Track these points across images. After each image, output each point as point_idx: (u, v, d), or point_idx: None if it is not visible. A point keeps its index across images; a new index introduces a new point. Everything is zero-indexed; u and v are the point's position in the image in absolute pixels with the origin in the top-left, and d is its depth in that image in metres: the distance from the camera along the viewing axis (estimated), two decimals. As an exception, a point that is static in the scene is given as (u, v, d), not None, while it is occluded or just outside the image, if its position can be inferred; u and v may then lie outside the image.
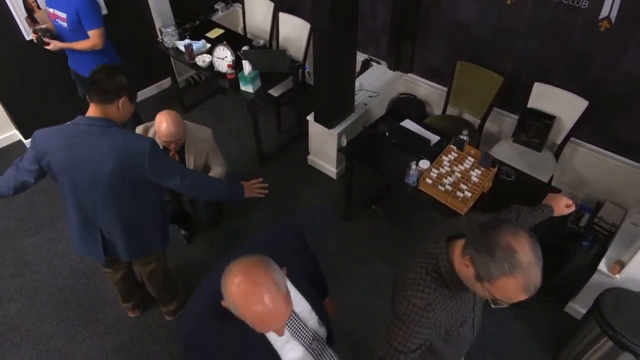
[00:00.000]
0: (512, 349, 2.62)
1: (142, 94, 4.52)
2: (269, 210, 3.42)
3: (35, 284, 3.03)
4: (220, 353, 1.26)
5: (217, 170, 2.87)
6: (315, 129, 3.52)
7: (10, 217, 3.48)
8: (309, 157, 3.84)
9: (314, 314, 1.44)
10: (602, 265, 2.41)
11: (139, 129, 2.70)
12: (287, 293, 1.16)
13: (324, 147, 3.61)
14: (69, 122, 1.89)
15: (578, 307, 2.70)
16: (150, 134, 2.66)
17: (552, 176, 3.13)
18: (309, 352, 1.42)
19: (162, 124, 2.46)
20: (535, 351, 2.62)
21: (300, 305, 1.40)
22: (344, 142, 2.95)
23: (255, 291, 1.09)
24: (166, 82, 4.69)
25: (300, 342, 1.39)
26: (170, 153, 2.65)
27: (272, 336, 1.31)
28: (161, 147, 2.50)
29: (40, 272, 3.10)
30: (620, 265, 2.35)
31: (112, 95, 1.85)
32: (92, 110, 1.87)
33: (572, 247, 2.68)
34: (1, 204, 3.54)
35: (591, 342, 2.22)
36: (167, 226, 2.33)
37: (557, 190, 2.63)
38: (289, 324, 1.35)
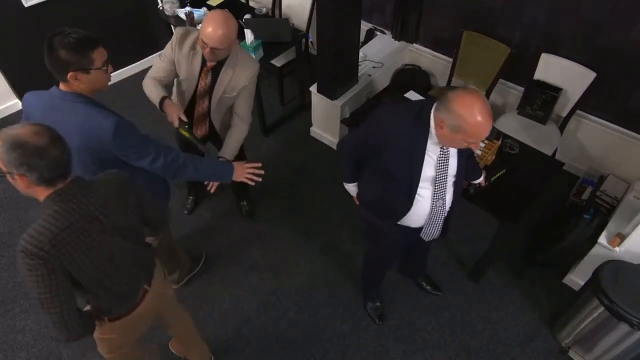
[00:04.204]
0: (511, 319, 2.67)
1: (143, 64, 4.47)
2: (271, 181, 3.42)
3: (41, 252, 3.07)
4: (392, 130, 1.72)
5: (241, 129, 2.42)
6: (318, 100, 3.49)
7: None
8: (311, 128, 3.82)
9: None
10: (602, 238, 2.42)
11: (179, 30, 2.26)
12: None
13: (326, 118, 3.59)
14: (48, 90, 1.80)
15: (576, 279, 2.73)
16: (189, 39, 2.25)
17: (557, 149, 3.11)
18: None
19: (209, 27, 2.06)
20: (533, 321, 2.67)
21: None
22: (347, 114, 2.93)
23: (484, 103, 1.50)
24: (167, 52, 4.61)
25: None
26: (206, 67, 2.27)
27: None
28: (199, 47, 2.19)
29: (46, 241, 3.14)
30: (621, 238, 2.36)
31: (59, 72, 1.68)
32: (61, 84, 1.77)
33: (573, 219, 2.69)
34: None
35: (588, 313, 2.26)
36: (160, 189, 2.19)
37: (561, 164, 2.63)
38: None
